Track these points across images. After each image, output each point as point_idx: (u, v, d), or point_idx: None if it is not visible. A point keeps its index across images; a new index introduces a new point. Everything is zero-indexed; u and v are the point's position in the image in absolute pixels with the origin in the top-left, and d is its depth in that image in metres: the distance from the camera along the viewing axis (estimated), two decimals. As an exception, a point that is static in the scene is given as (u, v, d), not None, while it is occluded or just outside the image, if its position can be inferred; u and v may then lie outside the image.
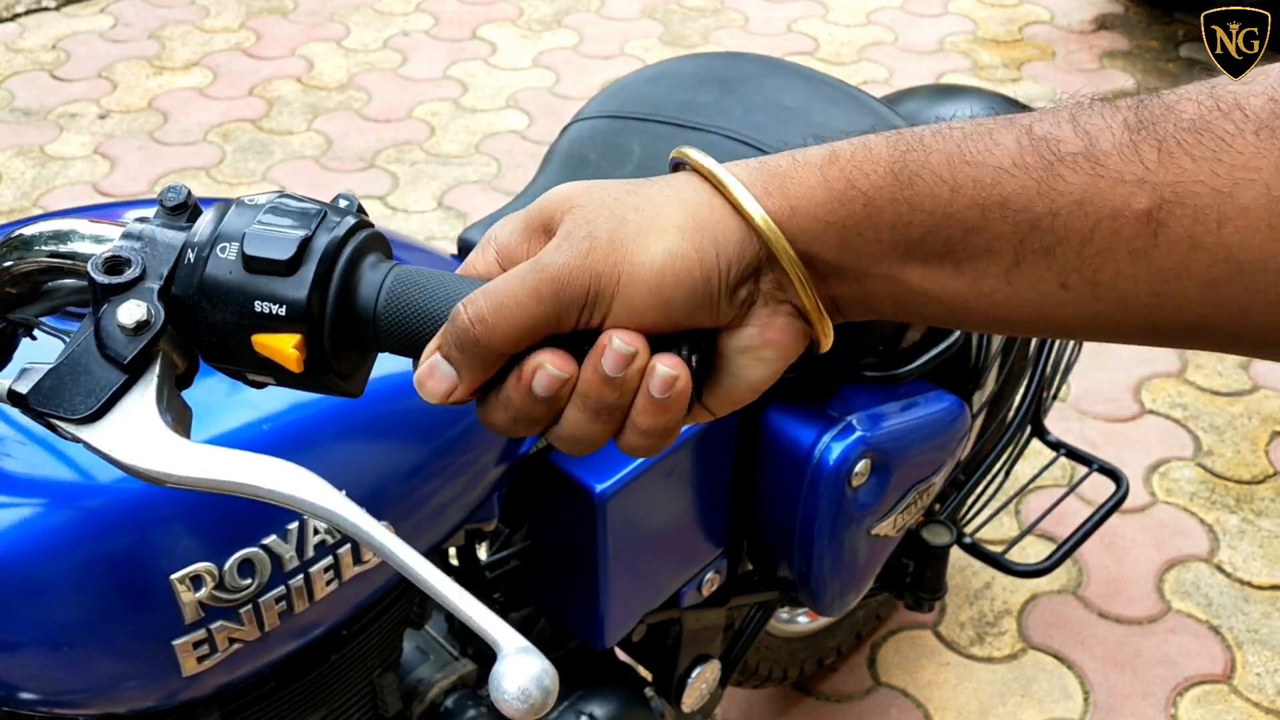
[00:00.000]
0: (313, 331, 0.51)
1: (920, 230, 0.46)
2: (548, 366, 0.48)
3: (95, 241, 0.57)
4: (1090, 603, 1.91)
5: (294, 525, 0.79)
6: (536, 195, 1.16)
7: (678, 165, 0.53)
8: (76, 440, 0.51)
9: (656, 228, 0.48)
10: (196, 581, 0.76)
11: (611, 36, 3.61)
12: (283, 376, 0.52)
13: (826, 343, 0.51)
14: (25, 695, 0.76)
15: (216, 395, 0.77)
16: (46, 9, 3.69)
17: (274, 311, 0.50)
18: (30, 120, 3.14)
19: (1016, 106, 1.54)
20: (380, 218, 2.77)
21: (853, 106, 1.25)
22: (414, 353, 0.52)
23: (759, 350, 0.50)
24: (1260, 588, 1.93)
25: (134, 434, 0.51)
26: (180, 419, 0.53)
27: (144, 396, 0.51)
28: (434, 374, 0.50)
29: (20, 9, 3.68)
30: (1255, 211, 0.40)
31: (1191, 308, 0.43)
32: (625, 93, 1.26)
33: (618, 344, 0.48)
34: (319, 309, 0.51)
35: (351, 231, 0.52)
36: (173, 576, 0.75)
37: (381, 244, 0.55)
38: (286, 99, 3.26)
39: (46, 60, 3.43)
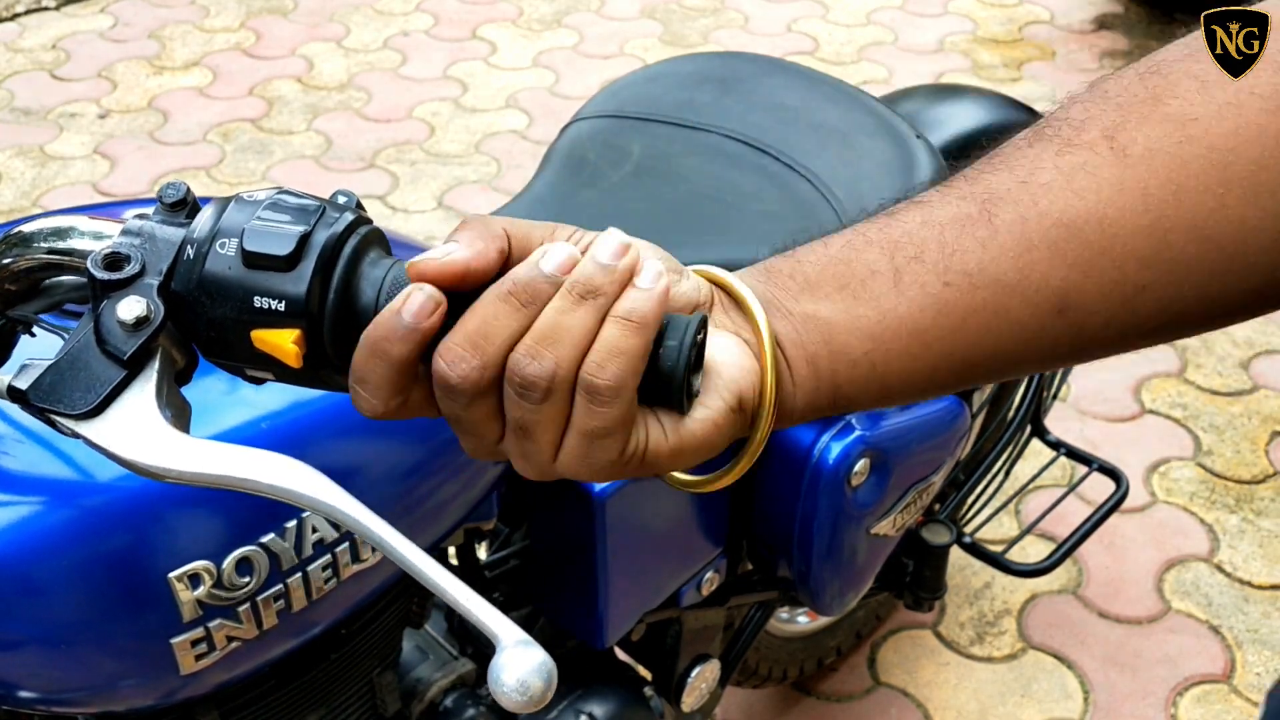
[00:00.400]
0: (312, 327, 0.51)
1: (813, 274, 0.55)
2: (555, 247, 0.49)
3: (94, 238, 0.57)
4: (1090, 602, 1.91)
5: (292, 524, 0.79)
6: (536, 195, 1.16)
7: None
8: (76, 436, 0.52)
9: None
10: (194, 580, 0.76)
11: (611, 36, 3.61)
12: (282, 372, 0.53)
13: (769, 392, 0.53)
14: (24, 694, 0.76)
15: (214, 394, 0.77)
16: (46, 9, 3.69)
17: (273, 307, 0.50)
18: (30, 120, 3.14)
19: (1016, 106, 1.54)
20: (380, 217, 2.77)
21: (852, 106, 1.25)
22: None
23: (716, 352, 0.53)
24: (1260, 587, 1.93)
25: (134, 429, 0.51)
26: (180, 414, 0.53)
27: (144, 392, 0.51)
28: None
29: (20, 8, 3.68)
30: (1055, 184, 0.52)
31: (1052, 275, 0.52)
32: (625, 92, 1.26)
33: (615, 237, 0.50)
34: (318, 304, 0.51)
35: (351, 227, 0.53)
36: (171, 575, 0.75)
37: (381, 240, 0.55)
38: (286, 99, 3.26)
39: (46, 60, 3.43)
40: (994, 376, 0.58)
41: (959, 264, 0.53)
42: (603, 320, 0.49)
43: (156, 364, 0.52)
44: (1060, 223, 0.52)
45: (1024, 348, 0.54)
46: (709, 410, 0.52)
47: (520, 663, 0.45)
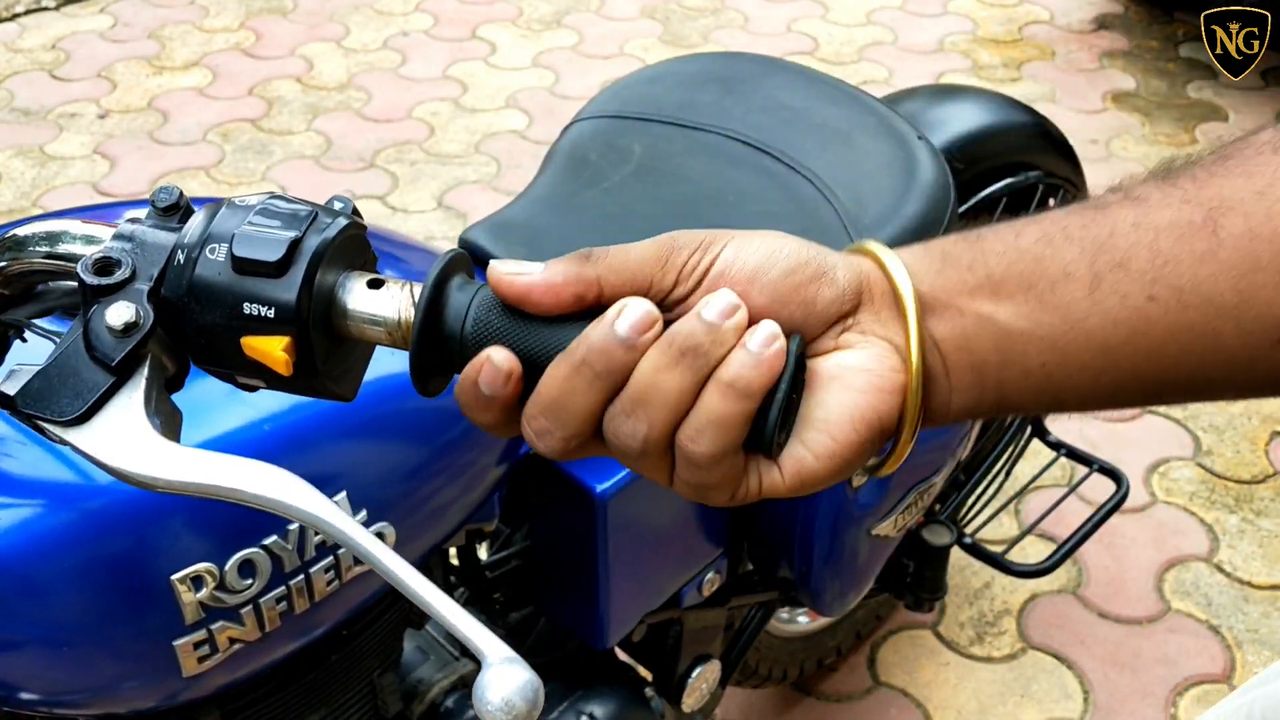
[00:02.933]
0: (301, 334, 0.50)
1: (998, 268, 0.49)
2: (633, 305, 0.46)
3: (87, 242, 0.56)
4: (1090, 603, 1.91)
5: (295, 526, 0.79)
6: (537, 195, 1.16)
7: None
8: (64, 443, 0.51)
9: (767, 233, 0.50)
10: (197, 582, 0.76)
11: (611, 36, 3.61)
12: (272, 379, 0.52)
13: (915, 399, 0.49)
14: (26, 695, 0.76)
15: (215, 396, 0.77)
16: (46, 9, 3.69)
17: (262, 314, 0.50)
18: (30, 120, 3.14)
19: (1017, 107, 1.54)
20: (380, 217, 2.77)
21: (853, 106, 1.26)
22: None
23: (851, 375, 0.49)
24: (1260, 587, 1.93)
25: (121, 437, 0.50)
26: (169, 422, 0.52)
27: (132, 399, 0.51)
28: (520, 264, 0.49)
29: (20, 9, 3.68)
30: None
31: (1278, 299, 0.46)
32: (626, 93, 1.26)
33: (725, 296, 0.47)
34: (308, 311, 0.50)
35: (342, 233, 0.52)
36: (173, 577, 0.75)
37: (465, 264, 0.53)
38: (286, 99, 3.26)
39: (46, 60, 3.43)
40: (1184, 400, 0.52)
41: (1170, 277, 0.46)
42: (704, 382, 0.46)
43: (146, 370, 0.51)
44: None
45: (1228, 376, 0.48)
46: (835, 444, 0.48)
47: (505, 681, 0.44)
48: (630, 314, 0.46)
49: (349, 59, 3.46)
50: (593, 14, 3.73)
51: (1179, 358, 0.48)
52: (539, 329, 0.49)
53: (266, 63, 3.44)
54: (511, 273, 0.48)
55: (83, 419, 0.50)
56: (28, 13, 3.67)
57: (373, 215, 2.74)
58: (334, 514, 0.48)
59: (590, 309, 0.49)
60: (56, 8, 3.70)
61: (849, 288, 0.49)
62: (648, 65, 1.39)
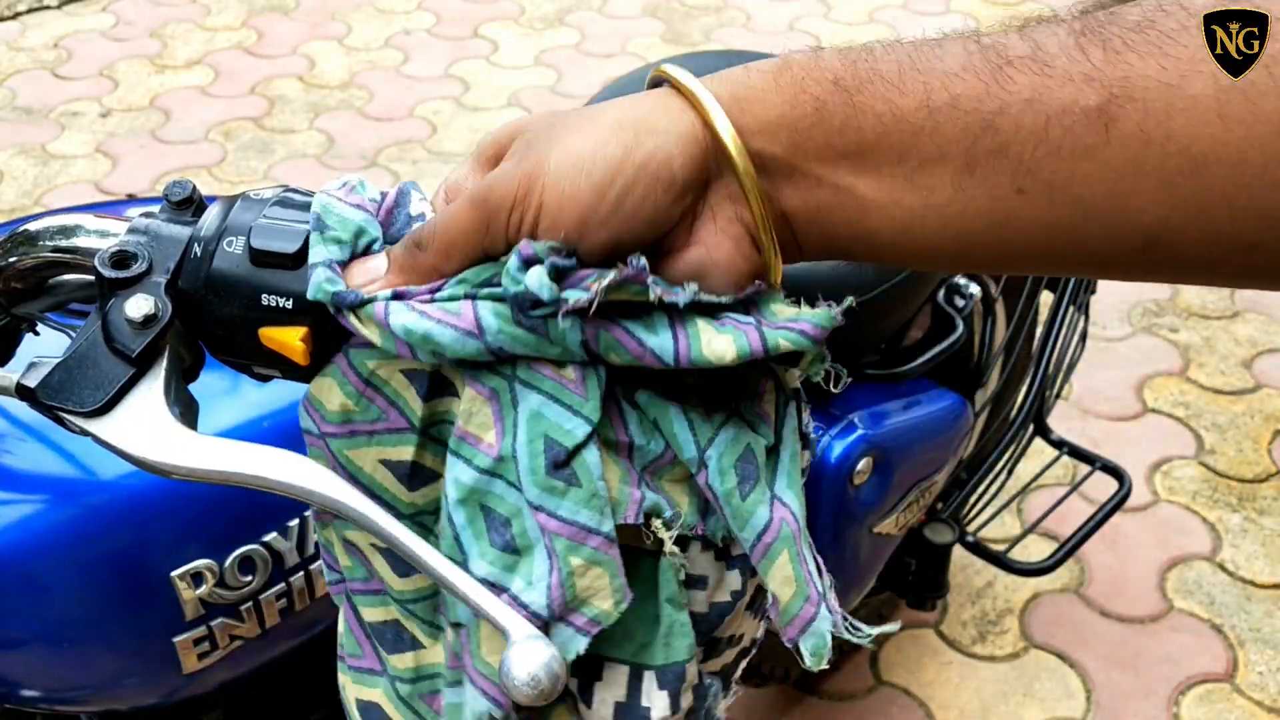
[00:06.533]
0: (318, 324, 0.51)
1: (870, 134, 0.45)
2: None
3: (100, 236, 0.57)
4: (1092, 601, 1.91)
5: (294, 522, 0.79)
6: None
7: (655, 85, 0.52)
8: (85, 434, 0.52)
9: (593, 124, 0.48)
10: (197, 578, 0.76)
11: (613, 35, 3.61)
12: (289, 369, 0.53)
13: (776, 268, 0.49)
14: (27, 692, 0.76)
15: (215, 392, 0.77)
16: (48, 7, 3.69)
17: (280, 305, 0.50)
18: (32, 119, 3.14)
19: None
20: (382, 216, 2.76)
21: (855, 104, 1.25)
22: None
23: (708, 273, 0.49)
24: (1263, 586, 1.93)
25: (143, 426, 0.51)
26: (187, 411, 0.53)
27: (152, 389, 0.51)
28: (365, 264, 0.51)
29: (22, 7, 3.68)
30: (1204, 101, 0.40)
31: (1150, 209, 0.42)
32: (626, 91, 1.26)
33: None
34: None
35: None
36: (173, 573, 0.75)
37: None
38: (288, 97, 3.26)
39: (48, 59, 3.43)
40: (1028, 273, 0.50)
41: (1046, 170, 0.43)
42: None
43: (164, 361, 0.52)
44: (1188, 154, 0.41)
45: (1080, 268, 0.46)
46: None
47: (531, 657, 0.45)
48: None
49: (351, 57, 3.46)
50: (595, 12, 3.73)
51: (1036, 251, 0.46)
52: None
53: (268, 61, 3.44)
54: (360, 285, 0.51)
55: (104, 409, 0.51)
56: (29, 11, 3.67)
57: (374, 214, 2.74)
58: (355, 498, 0.49)
59: None
60: (58, 6, 3.70)
61: (690, 182, 0.48)
62: (648, 63, 1.39)
